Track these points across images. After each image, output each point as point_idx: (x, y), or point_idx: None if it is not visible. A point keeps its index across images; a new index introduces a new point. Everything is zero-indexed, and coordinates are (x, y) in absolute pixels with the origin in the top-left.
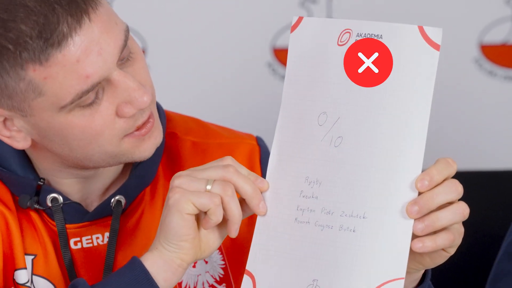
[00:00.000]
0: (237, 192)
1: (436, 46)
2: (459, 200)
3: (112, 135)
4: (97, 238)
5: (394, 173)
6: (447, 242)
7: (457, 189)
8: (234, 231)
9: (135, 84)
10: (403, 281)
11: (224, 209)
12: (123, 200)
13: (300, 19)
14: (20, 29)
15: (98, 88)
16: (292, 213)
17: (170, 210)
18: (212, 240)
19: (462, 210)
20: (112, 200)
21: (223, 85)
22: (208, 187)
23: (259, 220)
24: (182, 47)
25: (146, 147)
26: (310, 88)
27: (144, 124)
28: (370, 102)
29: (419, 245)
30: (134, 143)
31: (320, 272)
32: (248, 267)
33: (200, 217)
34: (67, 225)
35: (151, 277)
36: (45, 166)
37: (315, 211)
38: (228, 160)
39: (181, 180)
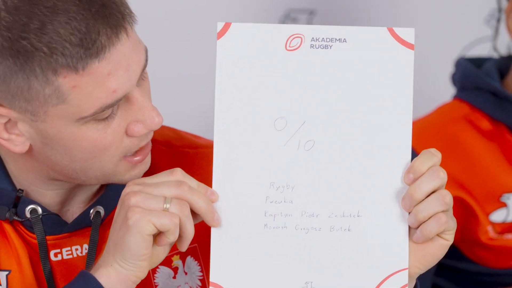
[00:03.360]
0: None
1: (410, 46)
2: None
3: (116, 152)
4: (76, 249)
5: (382, 169)
6: (434, 229)
7: (439, 175)
8: (185, 247)
9: (151, 104)
10: (407, 271)
11: (180, 227)
12: (102, 211)
13: (227, 25)
14: (59, 34)
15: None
16: (259, 219)
17: (130, 231)
18: (161, 252)
19: (442, 198)
20: (91, 211)
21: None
22: (166, 205)
23: (214, 232)
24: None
25: (136, 173)
26: (255, 94)
27: (141, 149)
28: (341, 105)
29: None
30: (127, 167)
31: (314, 274)
32: (213, 279)
33: (155, 234)
34: (47, 237)
35: None
36: (26, 177)
37: (292, 215)
38: (179, 174)
39: (137, 199)
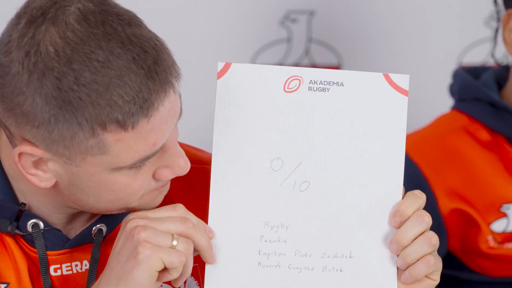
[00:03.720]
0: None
1: (404, 92)
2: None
3: (142, 194)
4: (76, 265)
5: (373, 212)
6: (423, 271)
7: (424, 219)
8: (181, 283)
9: (180, 151)
10: None
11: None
12: (104, 229)
13: (227, 65)
14: (111, 89)
15: None
16: (253, 257)
17: (140, 266)
18: (156, 287)
19: (429, 240)
20: (94, 228)
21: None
22: (174, 243)
23: (208, 268)
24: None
25: (160, 198)
26: (253, 133)
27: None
28: (337, 147)
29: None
30: (153, 196)
31: None
32: None
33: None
34: (47, 252)
35: None
36: (39, 200)
37: (285, 254)
38: (182, 209)
39: (147, 234)
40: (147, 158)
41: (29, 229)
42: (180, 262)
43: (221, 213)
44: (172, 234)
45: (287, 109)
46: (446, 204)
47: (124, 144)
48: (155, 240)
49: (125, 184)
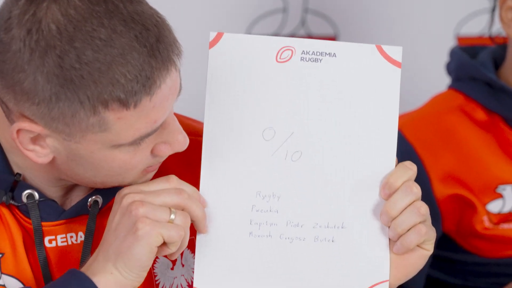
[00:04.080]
0: None
1: (397, 64)
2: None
3: (140, 170)
4: (71, 237)
5: (365, 182)
6: (414, 240)
7: (412, 190)
8: (177, 256)
9: (180, 127)
10: (387, 283)
11: None
12: (100, 200)
13: (219, 34)
14: (113, 68)
15: None
16: (244, 227)
17: (140, 242)
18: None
19: (417, 210)
20: (90, 199)
21: None
22: (172, 216)
23: (199, 238)
24: None
25: (149, 176)
26: (245, 103)
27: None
28: (329, 118)
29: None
30: (143, 175)
31: (296, 283)
32: (197, 284)
33: None
34: (42, 223)
35: None
36: (34, 173)
37: (277, 224)
38: (175, 180)
39: (145, 209)
40: (148, 135)
41: (24, 199)
42: (179, 236)
43: (212, 183)
44: (169, 208)
45: (279, 79)
46: (441, 190)
47: (126, 122)
48: (153, 215)
49: (124, 160)
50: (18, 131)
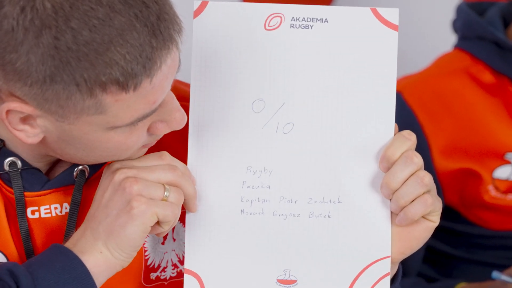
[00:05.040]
0: None
1: (394, 27)
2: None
3: (136, 149)
4: (56, 208)
5: (363, 153)
6: (419, 210)
7: (413, 160)
8: (165, 234)
9: (178, 105)
10: (389, 259)
11: None
12: (86, 170)
13: (204, 3)
14: (111, 48)
15: None
16: (235, 205)
17: (134, 222)
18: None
19: (420, 180)
20: (76, 169)
21: None
22: (166, 194)
23: (189, 217)
24: None
25: (144, 151)
26: (232, 74)
27: None
28: (322, 87)
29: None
30: (140, 150)
31: (292, 262)
32: (188, 266)
33: None
34: (25, 193)
35: (94, 283)
36: (19, 147)
37: (269, 201)
38: (168, 157)
39: (139, 187)
40: (146, 116)
41: (6, 167)
42: (174, 215)
43: (200, 159)
44: (163, 185)
45: (268, 48)
46: (442, 163)
47: (123, 104)
48: (147, 192)
49: (120, 141)
50: (8, 111)
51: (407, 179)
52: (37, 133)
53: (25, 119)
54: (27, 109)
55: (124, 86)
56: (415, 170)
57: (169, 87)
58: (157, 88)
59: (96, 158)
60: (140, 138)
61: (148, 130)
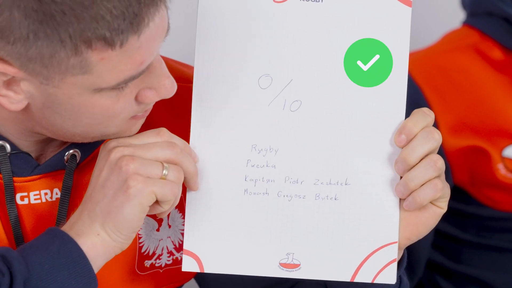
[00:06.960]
0: None
1: (407, 2)
2: None
3: (124, 118)
4: (46, 194)
5: (372, 133)
6: (429, 195)
7: (434, 136)
8: (166, 214)
9: (167, 71)
10: (396, 245)
11: None
12: (78, 155)
13: None
14: (97, 2)
15: None
16: (239, 184)
17: (131, 202)
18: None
19: (434, 163)
20: (66, 153)
21: None
22: (165, 172)
23: (190, 196)
24: None
25: (136, 128)
26: (239, 49)
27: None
28: (332, 63)
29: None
30: (131, 124)
31: (296, 245)
32: (187, 246)
33: None
34: (14, 178)
35: (91, 267)
36: (5, 125)
37: (274, 181)
38: (166, 134)
39: (136, 165)
40: (133, 78)
41: None
42: (173, 194)
43: (203, 136)
44: (162, 163)
45: (276, 22)
46: (450, 141)
47: (109, 63)
48: (144, 171)
49: (106, 106)
50: None
51: (423, 157)
52: (21, 99)
53: (9, 84)
54: (10, 70)
55: (110, 42)
56: (435, 148)
57: (158, 51)
58: (144, 47)
59: (83, 128)
60: (128, 105)
61: (137, 98)
